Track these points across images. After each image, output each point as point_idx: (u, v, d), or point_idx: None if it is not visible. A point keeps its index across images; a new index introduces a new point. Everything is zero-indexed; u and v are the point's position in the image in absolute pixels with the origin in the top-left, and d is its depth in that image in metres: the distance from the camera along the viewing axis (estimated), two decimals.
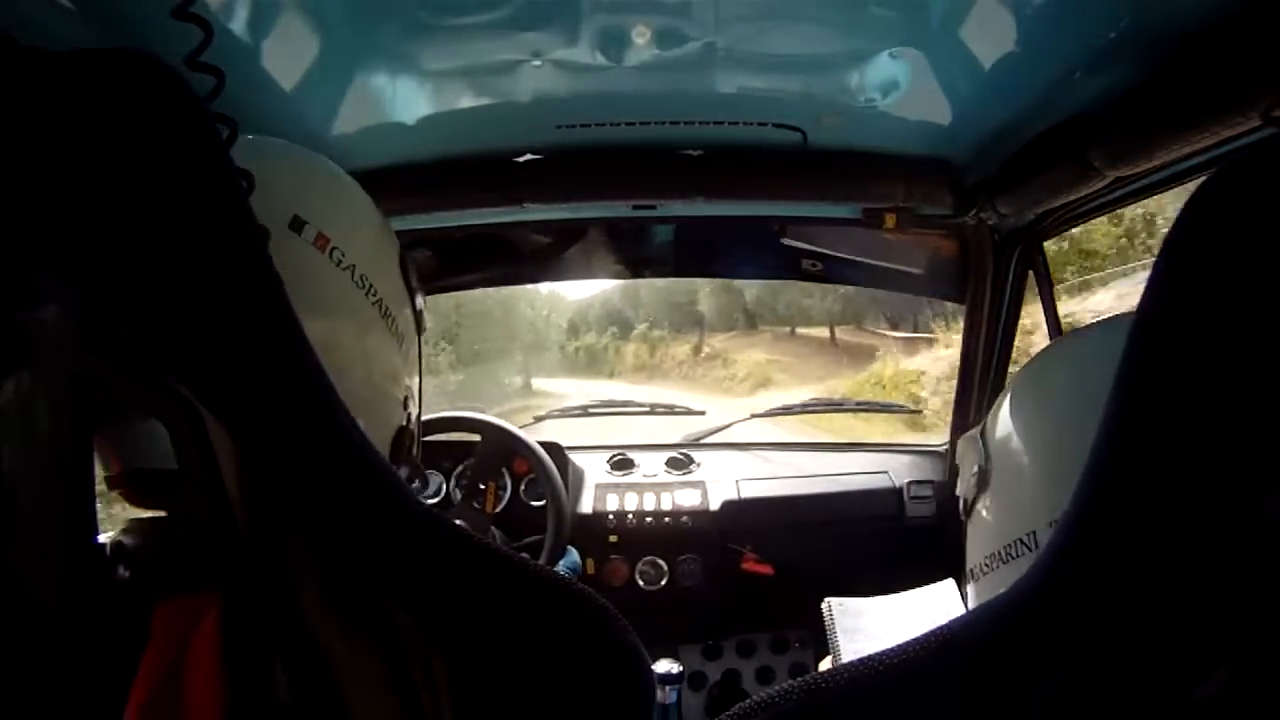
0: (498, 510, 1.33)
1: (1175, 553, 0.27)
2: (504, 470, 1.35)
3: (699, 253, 1.38)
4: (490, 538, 1.21)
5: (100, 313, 0.32)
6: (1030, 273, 1.18)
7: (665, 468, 1.46)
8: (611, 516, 1.35)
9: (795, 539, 1.34)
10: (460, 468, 1.36)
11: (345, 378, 0.43)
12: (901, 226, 1.09)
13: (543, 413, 1.75)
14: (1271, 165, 0.25)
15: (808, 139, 0.96)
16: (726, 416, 1.68)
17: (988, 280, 1.20)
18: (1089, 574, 0.29)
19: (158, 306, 0.31)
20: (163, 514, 0.43)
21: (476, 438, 1.31)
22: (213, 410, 0.34)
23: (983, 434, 0.50)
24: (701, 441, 1.59)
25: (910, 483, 1.38)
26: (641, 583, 1.34)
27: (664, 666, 1.10)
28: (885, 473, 1.42)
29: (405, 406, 0.50)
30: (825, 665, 0.87)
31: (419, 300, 0.53)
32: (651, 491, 1.38)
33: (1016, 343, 1.27)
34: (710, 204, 1.11)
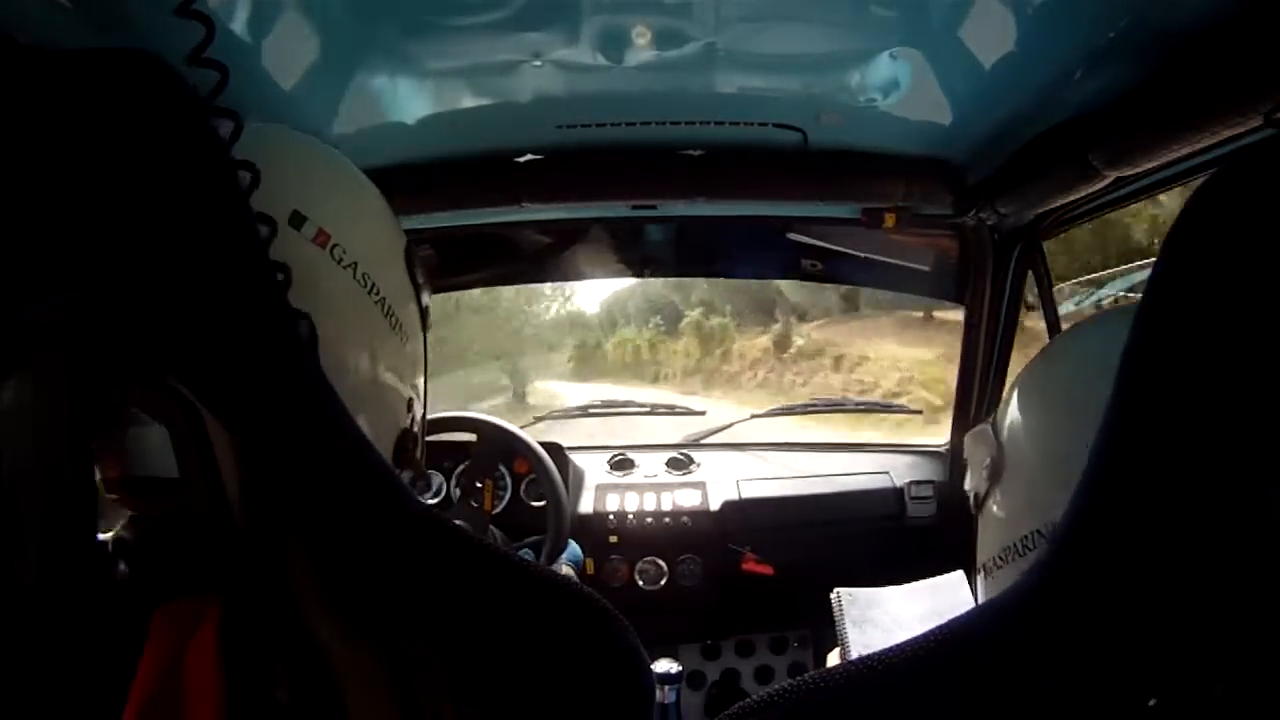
0: (497, 510, 1.33)
1: (1177, 550, 0.27)
2: (503, 469, 1.35)
3: (699, 252, 1.38)
4: (490, 537, 1.21)
5: (101, 312, 0.32)
6: (1030, 273, 1.18)
7: (665, 468, 1.46)
8: (612, 517, 1.35)
9: (795, 539, 1.34)
10: (460, 467, 1.36)
11: (346, 378, 0.42)
12: (901, 226, 1.09)
13: (542, 413, 1.75)
14: (1271, 165, 0.25)
15: (808, 139, 0.96)
16: (727, 416, 1.68)
17: (988, 280, 1.20)
18: (1090, 572, 0.29)
19: (157, 306, 0.31)
20: (163, 514, 0.43)
21: (476, 437, 1.31)
22: (212, 410, 0.34)
23: (994, 427, 0.50)
24: (701, 442, 1.59)
25: (911, 483, 1.38)
26: (641, 583, 1.34)
27: (663, 666, 1.10)
28: (886, 473, 1.42)
29: (409, 408, 0.49)
30: (834, 657, 0.87)
31: (425, 297, 0.52)
32: (652, 492, 1.38)
33: None
34: (710, 204, 1.11)
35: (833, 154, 1.00)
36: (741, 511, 1.36)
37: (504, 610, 0.37)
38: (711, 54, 0.75)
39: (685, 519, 1.35)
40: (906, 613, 0.87)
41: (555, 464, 1.28)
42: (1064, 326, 1.20)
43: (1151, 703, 0.28)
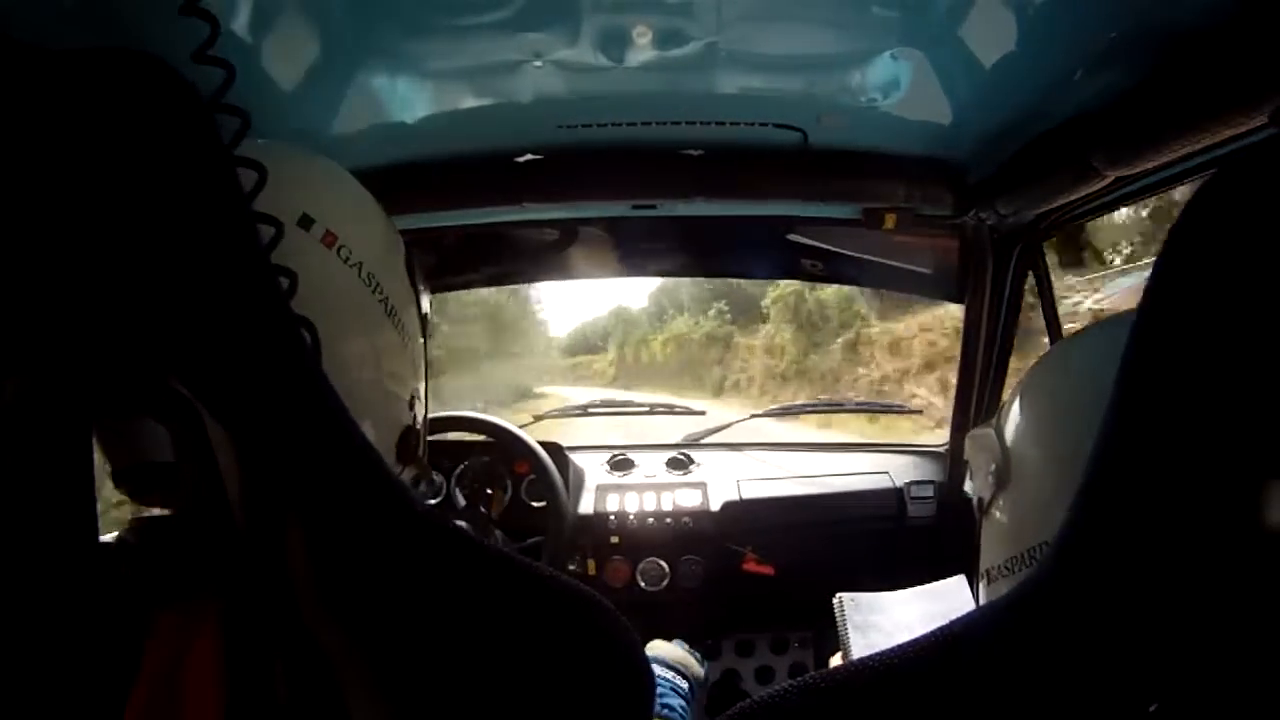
0: (499, 511, 1.33)
1: (1176, 555, 0.27)
2: (504, 470, 1.35)
3: (699, 252, 1.38)
4: (493, 539, 1.21)
5: (101, 312, 0.32)
6: (1030, 273, 1.18)
7: (665, 468, 1.46)
8: (612, 517, 1.35)
9: (796, 539, 1.34)
10: (460, 468, 1.36)
11: (352, 375, 0.43)
12: (901, 226, 1.09)
13: (542, 412, 1.75)
14: (1272, 165, 0.25)
15: (808, 139, 0.96)
16: (727, 416, 1.68)
17: (988, 280, 1.20)
18: (1091, 576, 0.29)
19: (157, 306, 0.31)
20: (165, 513, 0.43)
21: (477, 438, 1.31)
22: (211, 411, 0.34)
23: (998, 431, 0.49)
24: (702, 442, 1.59)
25: (911, 483, 1.38)
26: (643, 583, 1.34)
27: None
28: (886, 473, 1.42)
29: (411, 407, 0.50)
30: (836, 661, 0.87)
31: (424, 302, 0.53)
32: (652, 492, 1.38)
33: None
34: (710, 204, 1.11)
35: (833, 154, 1.00)
36: (742, 512, 1.36)
37: (505, 610, 0.37)
38: (712, 54, 0.75)
39: (686, 519, 1.34)
40: (908, 616, 0.87)
41: (555, 464, 1.28)
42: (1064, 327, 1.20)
43: (1153, 708, 0.28)
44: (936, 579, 0.94)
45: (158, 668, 0.35)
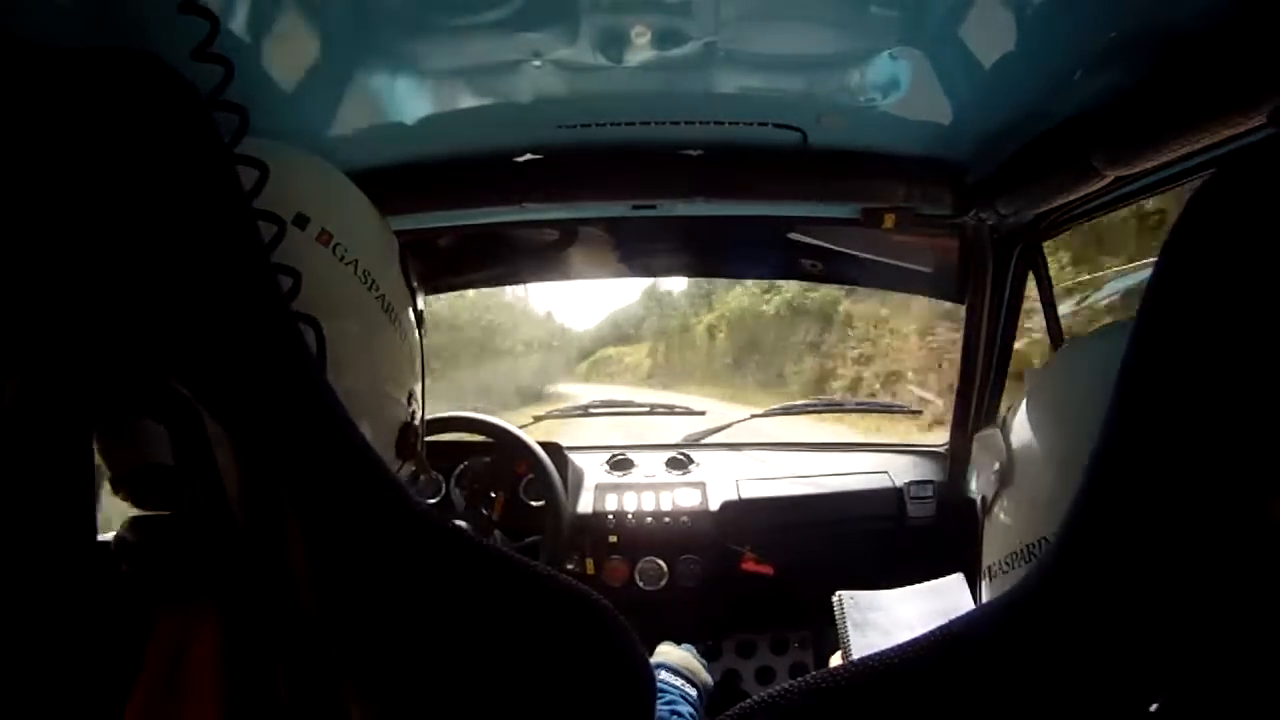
0: (500, 513, 1.33)
1: (1175, 555, 0.27)
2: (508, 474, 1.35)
3: (699, 252, 1.38)
4: (492, 539, 1.21)
5: (101, 312, 0.32)
6: (1030, 273, 1.18)
7: (665, 468, 1.46)
8: (611, 517, 1.35)
9: (795, 539, 1.34)
10: (460, 468, 1.36)
11: (350, 371, 0.43)
12: (901, 226, 1.09)
13: (542, 412, 1.75)
14: (1272, 165, 0.25)
15: (808, 139, 0.96)
16: (728, 416, 1.68)
17: (988, 280, 1.20)
18: (1091, 575, 0.29)
19: (157, 306, 0.31)
20: (164, 514, 0.43)
21: (476, 438, 1.31)
22: (211, 410, 0.34)
23: (1003, 431, 0.50)
24: (701, 442, 1.59)
25: (910, 483, 1.38)
26: (641, 583, 1.34)
27: None
28: (885, 473, 1.42)
29: (409, 403, 0.51)
30: (836, 660, 0.87)
31: (420, 300, 0.53)
32: (651, 492, 1.38)
33: None
34: (710, 204, 1.11)
35: (832, 154, 1.00)
36: (741, 511, 1.36)
37: (504, 610, 0.37)
38: (711, 54, 0.75)
39: (685, 519, 1.34)
40: (908, 615, 0.87)
41: (554, 464, 1.28)
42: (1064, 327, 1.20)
43: (1153, 707, 0.28)
44: (936, 579, 0.94)
45: (158, 667, 0.35)
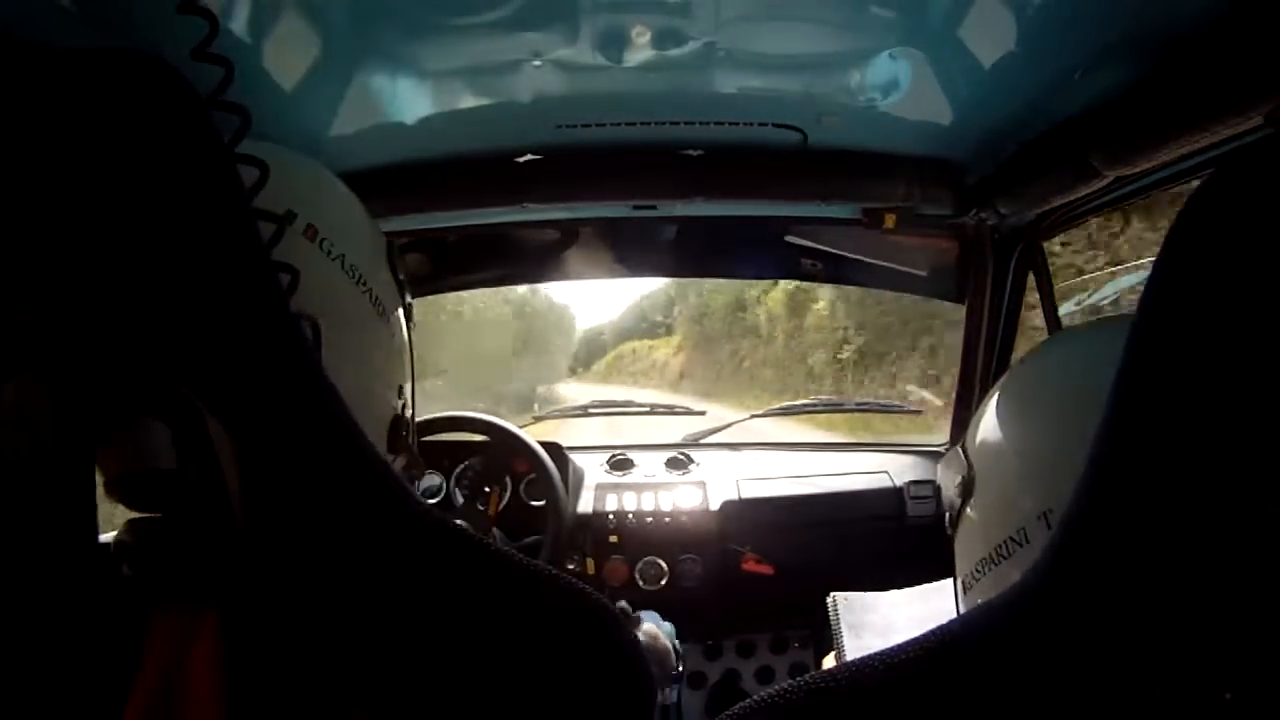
0: (498, 510, 1.33)
1: (1176, 554, 0.27)
2: (505, 471, 1.35)
3: (699, 252, 1.39)
4: (491, 538, 1.21)
5: (102, 313, 0.32)
6: (1030, 273, 1.18)
7: (665, 468, 1.46)
8: (611, 516, 1.35)
9: (795, 539, 1.34)
10: (461, 467, 1.36)
11: (338, 364, 0.43)
12: (901, 226, 1.09)
13: (542, 412, 1.75)
14: (1271, 165, 0.25)
15: (808, 139, 0.96)
16: (727, 416, 1.68)
17: (988, 280, 1.20)
18: (1090, 573, 0.29)
19: (158, 306, 0.31)
20: (161, 515, 0.43)
21: (477, 438, 1.31)
22: (212, 410, 0.34)
23: (963, 447, 0.51)
24: (701, 441, 1.59)
25: (910, 483, 1.38)
26: (641, 583, 1.34)
27: None
28: (885, 473, 1.42)
29: (400, 395, 0.51)
30: (829, 662, 0.87)
31: (407, 294, 0.54)
32: (651, 491, 1.38)
33: None
34: (710, 204, 1.11)
35: (833, 154, 1.00)
36: (741, 511, 1.36)
37: (505, 609, 0.37)
38: (711, 54, 0.75)
39: (685, 519, 1.35)
40: (901, 617, 0.87)
41: (555, 464, 1.28)
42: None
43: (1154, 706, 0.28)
44: (936, 578, 0.94)
45: (158, 668, 0.35)
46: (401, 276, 0.53)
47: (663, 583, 1.33)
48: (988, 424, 0.49)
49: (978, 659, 0.30)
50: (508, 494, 1.35)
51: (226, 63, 0.39)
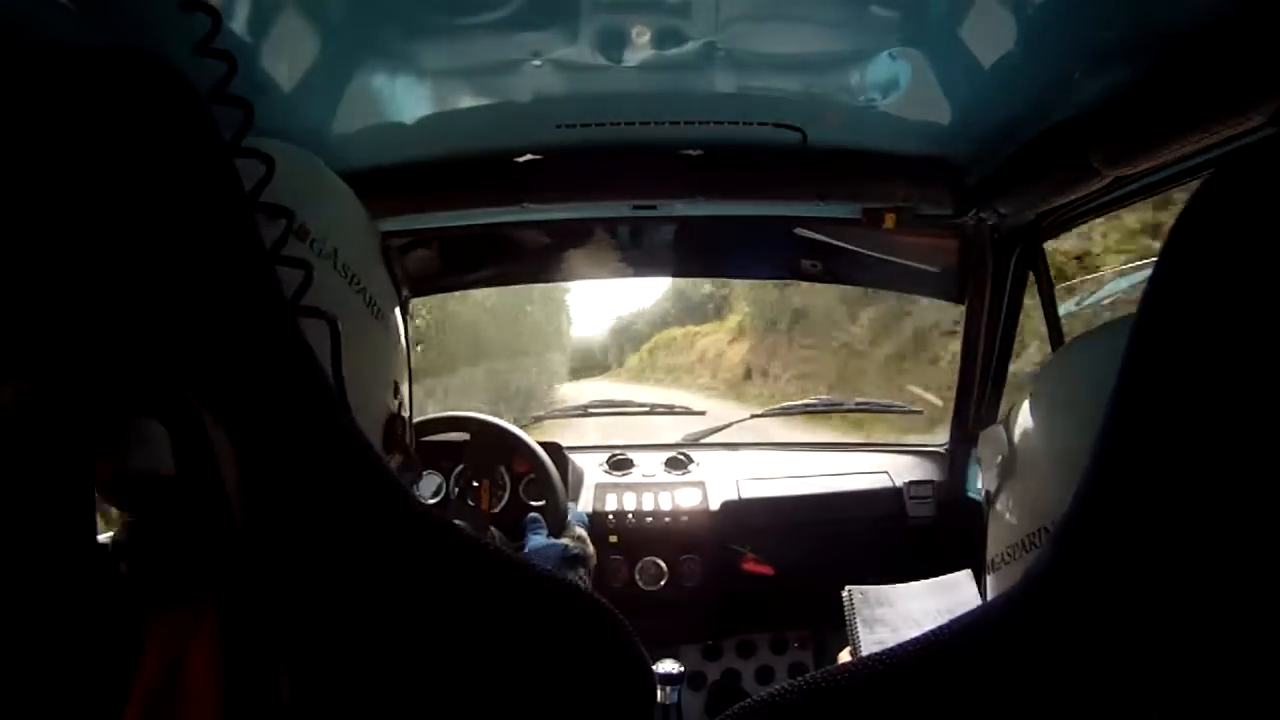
0: (496, 510, 1.33)
1: (1177, 550, 0.27)
2: (502, 469, 1.35)
3: (699, 252, 1.39)
4: (489, 537, 1.21)
5: (101, 313, 0.32)
6: (1030, 273, 1.18)
7: (664, 468, 1.46)
8: (611, 516, 1.35)
9: (795, 539, 1.34)
10: (459, 468, 1.36)
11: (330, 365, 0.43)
12: (901, 226, 1.09)
13: (542, 413, 1.75)
14: (1272, 165, 0.25)
15: (808, 139, 0.96)
16: (727, 416, 1.68)
17: (988, 280, 1.20)
18: (1091, 573, 0.29)
19: (157, 307, 0.31)
20: (160, 516, 0.43)
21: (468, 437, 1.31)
22: (212, 409, 0.34)
23: (1007, 426, 0.51)
24: (701, 441, 1.59)
25: (910, 483, 1.38)
26: (641, 583, 1.34)
27: (665, 666, 1.10)
28: (885, 473, 1.42)
29: (396, 394, 0.51)
30: (844, 656, 0.87)
31: (403, 291, 0.54)
32: (651, 491, 1.38)
33: None
34: (710, 204, 1.11)
35: (832, 154, 1.00)
36: (741, 511, 1.36)
37: (503, 610, 0.37)
38: (711, 54, 0.75)
39: (685, 519, 1.35)
40: (916, 610, 0.87)
41: (554, 464, 1.28)
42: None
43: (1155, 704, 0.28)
44: (935, 578, 0.94)
45: (157, 668, 0.35)
46: (398, 274, 0.53)
47: (662, 583, 1.33)
48: (1034, 409, 0.49)
49: (978, 658, 0.30)
50: (506, 493, 1.35)
51: (229, 57, 0.39)
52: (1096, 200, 0.96)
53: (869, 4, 0.68)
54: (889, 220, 1.08)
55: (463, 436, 1.32)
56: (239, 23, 0.62)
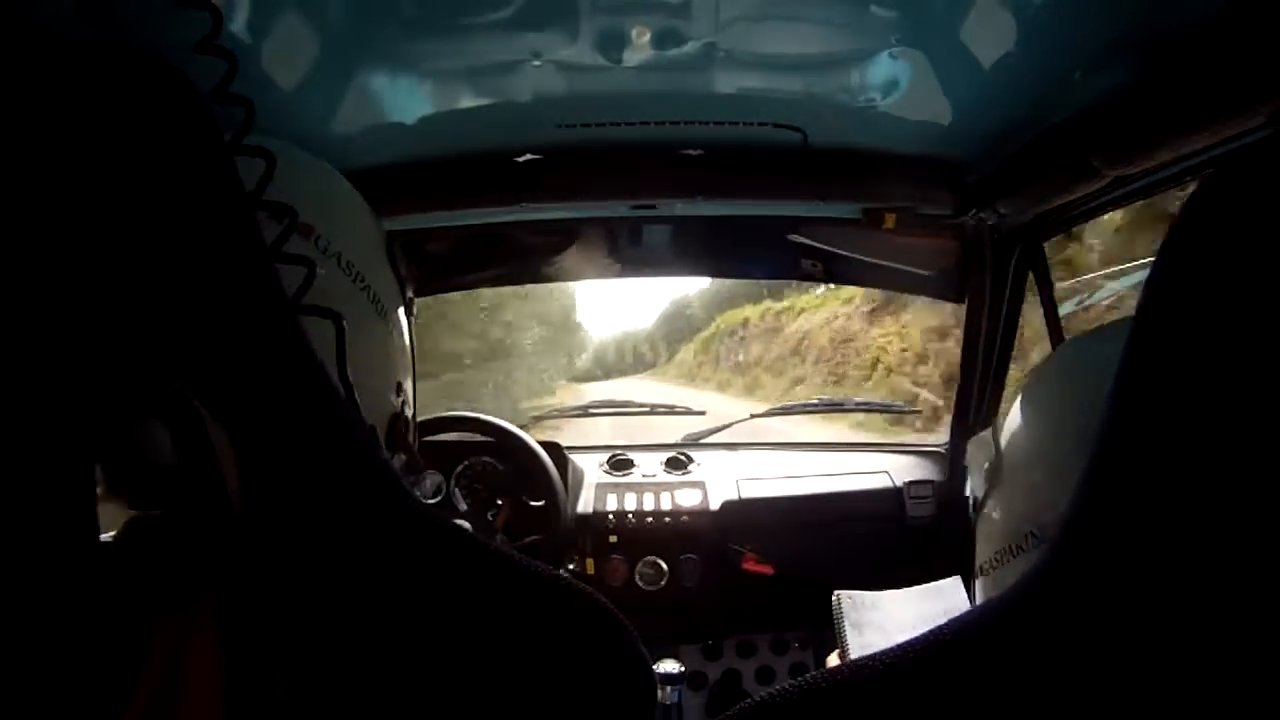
0: (508, 516, 1.33)
1: (1182, 548, 0.27)
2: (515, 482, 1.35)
3: (699, 252, 1.39)
4: (491, 539, 1.21)
5: (102, 311, 0.32)
6: (1030, 273, 1.18)
7: (664, 468, 1.46)
8: (611, 516, 1.35)
9: (795, 539, 1.34)
10: (461, 467, 1.36)
11: (335, 364, 0.43)
12: (901, 226, 1.09)
13: (541, 412, 1.75)
14: (1272, 165, 0.25)
15: (808, 139, 0.96)
16: (727, 416, 1.68)
17: (988, 280, 1.20)
18: (1088, 575, 0.29)
19: (158, 305, 0.31)
20: (161, 515, 0.43)
21: (477, 438, 1.31)
22: (212, 409, 0.34)
23: (994, 433, 0.51)
24: (701, 441, 1.59)
25: (910, 483, 1.38)
26: (641, 583, 1.34)
27: (665, 666, 1.10)
28: (885, 473, 1.42)
29: (399, 393, 0.51)
30: (833, 660, 0.87)
31: (409, 290, 0.54)
32: (651, 491, 1.38)
33: None
34: (710, 204, 1.11)
35: (832, 154, 1.00)
36: (741, 511, 1.36)
37: (504, 609, 0.37)
38: (711, 54, 0.75)
39: (685, 519, 1.35)
40: (906, 615, 0.87)
41: (554, 464, 1.28)
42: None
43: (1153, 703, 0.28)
44: (935, 579, 0.94)
45: (158, 668, 0.35)
46: (402, 273, 0.53)
47: (662, 583, 1.33)
48: (1020, 415, 0.49)
49: (976, 659, 0.30)
50: (507, 494, 1.35)
51: (230, 55, 0.39)
52: (1096, 200, 0.96)
53: (869, 4, 0.68)
54: (889, 220, 1.08)
55: (464, 437, 1.32)
56: (238, 24, 0.62)
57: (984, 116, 0.87)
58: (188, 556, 0.38)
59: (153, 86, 0.30)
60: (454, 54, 0.76)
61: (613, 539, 1.34)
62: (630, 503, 1.36)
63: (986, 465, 0.50)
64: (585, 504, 1.37)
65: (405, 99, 0.84)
